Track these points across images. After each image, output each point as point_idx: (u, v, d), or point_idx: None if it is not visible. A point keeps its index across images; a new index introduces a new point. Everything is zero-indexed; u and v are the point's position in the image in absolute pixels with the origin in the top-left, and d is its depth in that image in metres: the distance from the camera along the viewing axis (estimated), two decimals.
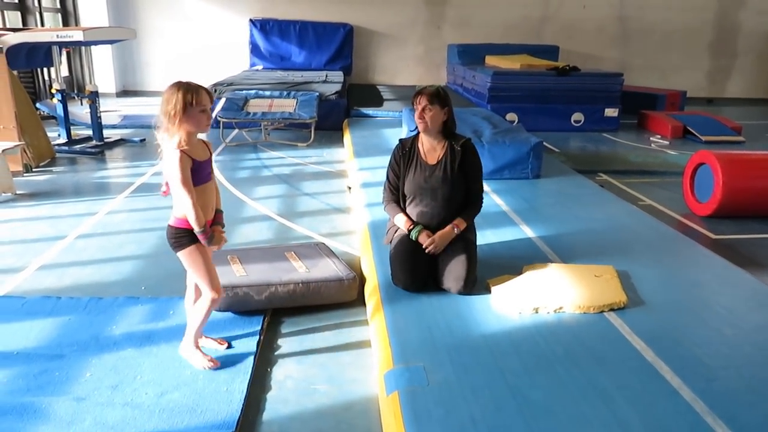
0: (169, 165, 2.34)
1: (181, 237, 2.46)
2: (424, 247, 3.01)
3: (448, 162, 3.10)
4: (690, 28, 12.71)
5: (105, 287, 3.44)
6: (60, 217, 4.67)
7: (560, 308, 2.85)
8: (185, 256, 2.49)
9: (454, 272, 2.98)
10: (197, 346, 2.63)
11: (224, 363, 2.61)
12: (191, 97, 2.31)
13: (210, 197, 2.49)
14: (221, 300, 2.98)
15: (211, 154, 2.53)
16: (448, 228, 3.06)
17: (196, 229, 2.41)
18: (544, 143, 6.28)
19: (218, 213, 2.59)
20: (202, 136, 2.54)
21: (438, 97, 3.05)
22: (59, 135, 7.11)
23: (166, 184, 2.46)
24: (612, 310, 2.86)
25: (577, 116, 9.01)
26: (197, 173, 2.39)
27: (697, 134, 8.30)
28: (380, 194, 3.31)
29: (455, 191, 3.10)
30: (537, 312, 2.84)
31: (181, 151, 2.33)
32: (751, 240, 4.52)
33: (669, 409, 2.15)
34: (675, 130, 8.56)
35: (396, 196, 3.21)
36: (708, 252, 3.77)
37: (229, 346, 2.75)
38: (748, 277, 3.36)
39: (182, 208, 2.40)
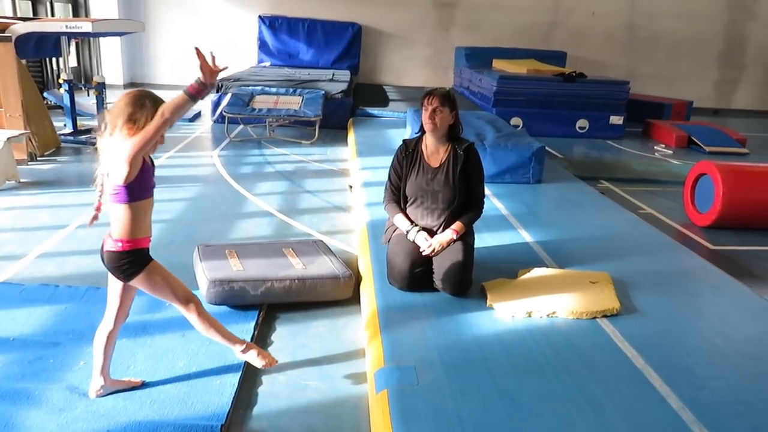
0: (119, 153, 2.05)
1: (131, 261, 2.17)
2: (421, 250, 3.03)
3: (450, 165, 3.11)
4: (699, 39, 12.69)
5: (103, 277, 3.38)
6: (63, 206, 4.71)
7: (553, 313, 2.86)
8: (143, 282, 2.22)
9: (450, 274, 2.99)
10: (244, 348, 2.47)
11: (217, 356, 2.63)
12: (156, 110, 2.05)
13: (150, 215, 2.23)
14: (219, 294, 3.01)
15: (154, 168, 2.27)
16: (447, 232, 3.07)
17: (197, 83, 2.07)
18: (548, 149, 6.29)
19: None
20: None
21: (449, 99, 3.07)
22: (65, 125, 7.17)
23: (99, 198, 2.20)
24: (605, 316, 2.87)
25: (582, 123, 9.02)
26: (145, 176, 2.14)
27: (701, 145, 8.29)
28: (381, 194, 3.33)
29: (456, 195, 3.11)
30: (530, 316, 2.85)
31: None
32: (749, 252, 4.52)
33: (656, 417, 2.16)
34: (679, 139, 8.56)
35: (397, 196, 3.22)
36: (705, 262, 3.77)
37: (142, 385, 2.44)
38: (743, 289, 3.37)
39: (145, 135, 2.02)
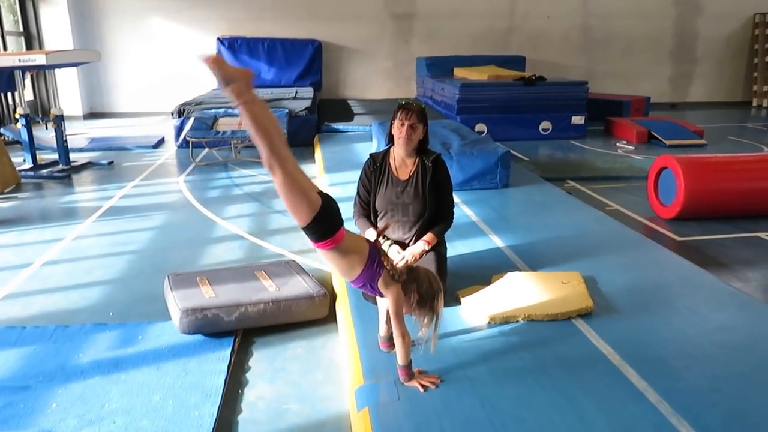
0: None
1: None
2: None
3: (419, 177, 3.13)
4: (651, 36, 13.04)
5: (72, 314, 3.38)
6: (26, 244, 4.59)
7: (528, 316, 2.88)
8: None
9: None
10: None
11: (194, 387, 2.59)
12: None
13: None
14: (192, 323, 2.96)
15: None
16: (419, 244, 3.08)
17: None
18: (513, 152, 6.38)
19: None
20: None
21: (424, 115, 3.09)
22: (24, 160, 7.00)
23: None
24: (579, 315, 2.91)
25: (545, 125, 9.16)
26: None
27: (661, 139, 8.49)
28: (351, 209, 3.32)
29: (426, 206, 3.12)
30: (506, 321, 2.87)
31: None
32: (714, 241, 4.63)
33: (635, 412, 2.19)
34: (640, 135, 8.75)
35: (366, 210, 3.22)
36: (672, 254, 3.85)
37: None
38: (710, 278, 3.44)
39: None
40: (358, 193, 3.26)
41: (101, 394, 2.55)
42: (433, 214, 3.15)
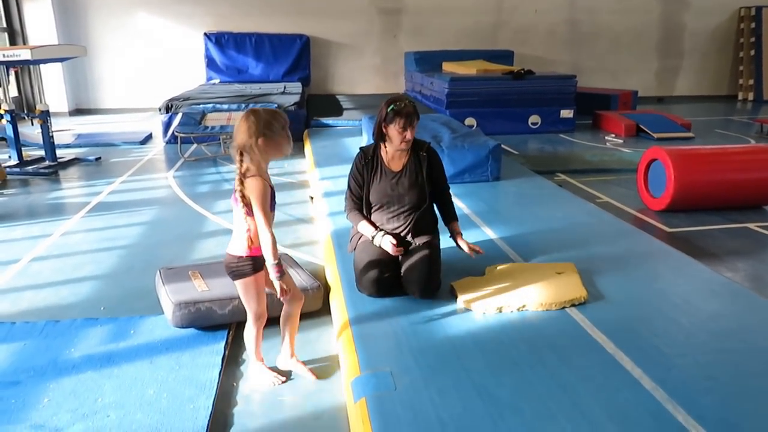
0: (251, 191, 2.32)
1: (244, 266, 2.42)
2: (394, 253, 3.01)
3: (414, 167, 3.12)
4: (637, 30, 13.11)
5: (62, 310, 3.34)
6: (13, 240, 4.53)
7: (523, 306, 2.89)
8: (241, 285, 2.47)
9: (418, 277, 2.99)
10: (263, 364, 2.64)
11: (188, 380, 2.57)
12: (286, 126, 2.35)
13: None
14: (185, 317, 2.94)
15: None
16: (457, 238, 3.18)
17: (271, 262, 2.35)
18: (503, 146, 6.38)
19: None
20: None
21: (417, 114, 3.07)
22: (10, 157, 6.91)
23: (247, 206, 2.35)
24: (573, 305, 2.92)
25: (534, 118, 9.18)
26: (271, 201, 2.39)
27: (649, 132, 8.55)
28: (343, 203, 3.31)
29: (422, 196, 3.13)
30: (501, 311, 2.87)
31: (261, 179, 2.33)
32: (703, 231, 4.67)
33: (630, 399, 2.20)
34: (628, 128, 8.80)
35: (359, 204, 3.20)
36: (663, 245, 3.87)
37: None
38: (701, 268, 3.47)
39: (260, 238, 2.35)
40: (349, 187, 3.24)
41: (94, 388, 2.52)
42: (429, 203, 3.16)
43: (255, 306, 2.51)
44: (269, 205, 2.38)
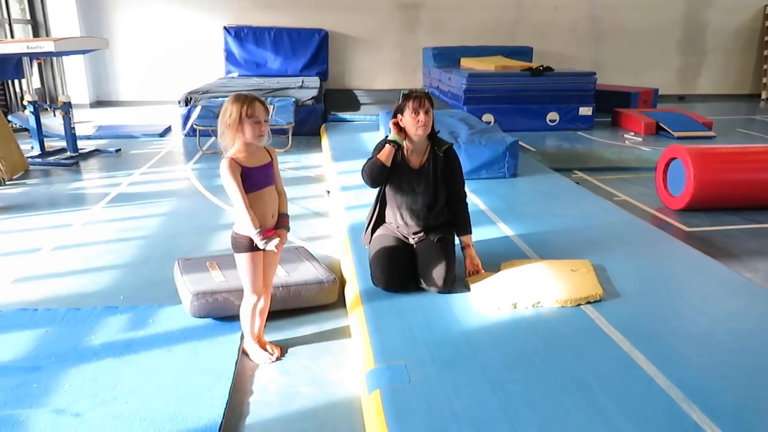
0: (220, 171, 2.47)
1: (239, 242, 2.57)
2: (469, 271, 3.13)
3: (431, 168, 3.12)
4: (659, 27, 12.94)
5: (83, 298, 3.40)
6: (35, 229, 4.61)
7: (538, 303, 2.89)
8: (238, 259, 2.62)
9: (434, 271, 3.01)
10: (257, 343, 2.78)
11: (206, 369, 2.61)
12: (246, 109, 2.42)
13: (266, 203, 2.55)
14: (203, 307, 2.98)
15: (272, 161, 2.60)
16: (470, 250, 3.20)
17: (252, 232, 2.48)
18: (521, 143, 6.35)
19: (282, 217, 2.64)
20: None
21: (430, 99, 3.06)
22: (32, 147, 7.03)
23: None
24: (589, 303, 2.91)
25: (553, 115, 9.13)
26: (248, 179, 2.48)
27: (669, 130, 8.45)
28: (359, 198, 3.32)
29: (437, 197, 3.13)
30: (515, 307, 2.87)
31: (229, 158, 2.44)
32: (723, 231, 4.62)
33: (645, 397, 2.19)
34: (648, 126, 8.71)
35: None
36: (681, 244, 3.84)
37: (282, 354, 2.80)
38: (720, 267, 3.44)
39: (238, 214, 2.50)
40: (372, 156, 3.15)
41: (113, 375, 2.57)
42: (442, 205, 3.15)
43: (249, 282, 2.63)
44: (243, 182, 2.46)
